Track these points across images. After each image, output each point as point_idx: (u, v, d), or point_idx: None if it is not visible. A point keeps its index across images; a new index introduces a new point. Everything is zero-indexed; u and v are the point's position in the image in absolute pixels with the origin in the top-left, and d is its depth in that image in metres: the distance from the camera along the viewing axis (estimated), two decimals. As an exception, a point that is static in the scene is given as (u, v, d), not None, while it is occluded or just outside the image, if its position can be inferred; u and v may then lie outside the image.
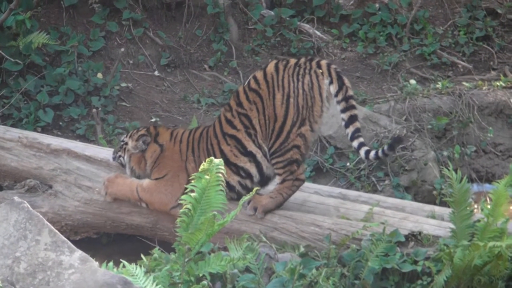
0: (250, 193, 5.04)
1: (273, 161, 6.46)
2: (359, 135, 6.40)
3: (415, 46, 10.83)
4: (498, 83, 9.87)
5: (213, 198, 4.79)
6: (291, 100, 6.39)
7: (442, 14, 11.32)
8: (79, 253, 4.01)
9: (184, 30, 10.68)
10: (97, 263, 4.06)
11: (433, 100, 9.37)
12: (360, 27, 10.98)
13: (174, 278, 4.91)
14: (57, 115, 9.31)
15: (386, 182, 8.57)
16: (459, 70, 10.68)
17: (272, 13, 10.96)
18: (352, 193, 7.10)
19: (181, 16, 10.72)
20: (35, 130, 8.87)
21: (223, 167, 4.78)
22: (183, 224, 4.83)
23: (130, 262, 4.61)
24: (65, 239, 4.06)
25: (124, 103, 9.79)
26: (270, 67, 6.51)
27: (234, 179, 6.58)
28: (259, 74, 6.53)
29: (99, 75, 9.69)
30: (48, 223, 4.09)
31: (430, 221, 6.25)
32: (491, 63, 10.82)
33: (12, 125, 8.75)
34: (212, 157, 4.82)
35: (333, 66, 6.48)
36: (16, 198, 4.17)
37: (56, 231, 4.07)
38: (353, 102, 6.42)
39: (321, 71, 6.41)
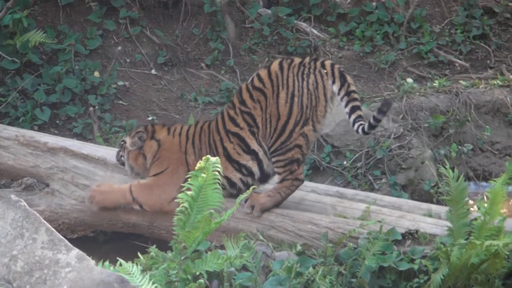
0: (247, 191, 5.04)
1: (274, 160, 6.45)
2: (360, 120, 6.32)
3: (412, 45, 10.83)
4: (495, 82, 9.87)
5: (210, 196, 4.78)
6: (296, 99, 6.38)
7: (439, 13, 11.32)
8: (76, 251, 4.00)
9: (181, 29, 10.67)
10: (93, 261, 4.05)
11: (430, 98, 9.37)
12: (357, 26, 10.97)
13: (171, 277, 4.90)
14: (54, 114, 9.30)
15: (383, 180, 8.57)
16: (456, 68, 10.68)
17: (269, 11, 10.95)
18: (349, 191, 7.10)
19: (178, 15, 10.71)
20: (32, 128, 8.87)
21: (219, 166, 4.77)
22: (180, 222, 4.82)
23: (126, 260, 4.60)
24: (62, 237, 4.05)
25: (121, 102, 9.78)
26: (275, 66, 6.49)
27: (236, 176, 6.57)
28: (263, 73, 6.51)
29: (96, 74, 9.68)
30: (45, 222, 4.08)
31: (427, 220, 6.26)
32: (488, 61, 10.81)
33: (9, 124, 8.74)
34: (208, 156, 4.81)
35: (336, 66, 6.47)
36: (13, 197, 4.16)
37: (53, 229, 4.06)
38: (356, 96, 6.40)
39: (325, 71, 6.41)
